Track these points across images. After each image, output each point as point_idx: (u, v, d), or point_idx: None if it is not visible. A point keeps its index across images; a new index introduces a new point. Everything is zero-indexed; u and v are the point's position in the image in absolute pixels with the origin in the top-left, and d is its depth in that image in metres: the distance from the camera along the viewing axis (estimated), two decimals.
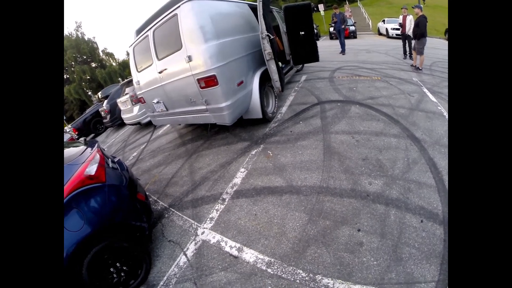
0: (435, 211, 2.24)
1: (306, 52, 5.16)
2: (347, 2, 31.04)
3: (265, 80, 3.99)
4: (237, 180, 2.77)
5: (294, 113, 4.35)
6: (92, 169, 1.88)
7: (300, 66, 6.99)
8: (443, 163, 2.97)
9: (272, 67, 3.63)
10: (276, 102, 4.46)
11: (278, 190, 2.46)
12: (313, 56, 5.44)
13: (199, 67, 2.92)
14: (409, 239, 1.91)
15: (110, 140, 8.34)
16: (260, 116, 3.68)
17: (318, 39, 17.36)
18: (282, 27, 5.34)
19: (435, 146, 3.27)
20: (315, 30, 16.64)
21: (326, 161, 2.81)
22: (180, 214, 2.63)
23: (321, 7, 21.78)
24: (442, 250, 1.83)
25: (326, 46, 12.76)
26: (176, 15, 3.04)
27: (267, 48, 3.48)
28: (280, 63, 4.31)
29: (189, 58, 2.95)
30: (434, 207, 2.29)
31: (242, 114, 3.69)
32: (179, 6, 3.00)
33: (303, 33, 4.86)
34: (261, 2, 3.40)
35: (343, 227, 2.05)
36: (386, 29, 15.56)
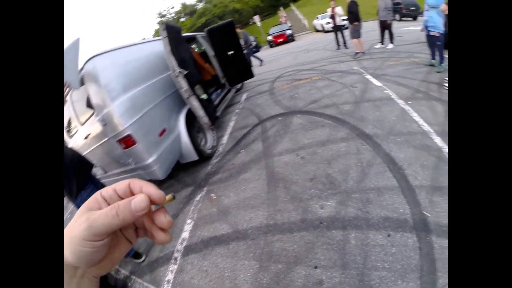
0: (402, 218, 2.20)
1: (239, 71, 5.41)
2: (281, 8, 34.19)
3: (194, 117, 4.04)
4: (185, 234, 2.80)
5: (235, 141, 4.36)
6: None
7: (240, 85, 7.27)
8: (401, 155, 2.99)
9: (194, 104, 3.67)
10: (215, 134, 4.47)
11: (225, 239, 2.48)
12: (247, 73, 5.70)
13: (113, 128, 3.04)
14: (377, 261, 1.88)
15: None
16: (196, 158, 3.73)
17: (258, 51, 18.27)
18: (210, 51, 5.62)
19: (389, 137, 3.32)
20: (253, 42, 17.55)
21: (271, 192, 2.81)
22: (141, 281, 2.62)
23: (256, 18, 23.54)
24: (419, 260, 1.82)
25: (265, 56, 13.29)
26: (83, 76, 3.09)
27: (183, 86, 3.57)
28: (204, 96, 4.40)
29: (103, 121, 3.05)
30: (400, 213, 2.25)
31: (176, 161, 3.73)
32: (82, 68, 3.07)
33: (231, 52, 5.11)
34: (166, 38, 3.47)
35: (298, 268, 2.00)
36: (321, 25, 17.26)
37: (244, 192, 2.94)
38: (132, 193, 0.34)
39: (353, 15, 7.19)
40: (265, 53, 15.78)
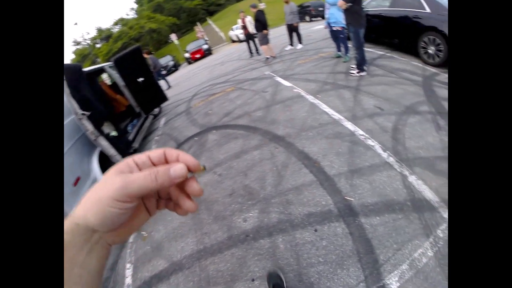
0: (326, 209, 2.22)
1: (152, 97, 5.32)
2: (197, 23, 34.56)
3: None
4: (128, 279, 2.63)
5: None
6: None
7: (158, 110, 7.01)
8: (315, 148, 2.95)
9: (103, 144, 3.47)
10: None
11: (164, 274, 2.38)
12: (160, 98, 5.65)
13: None
14: (310, 258, 1.90)
15: None
16: None
17: (177, 69, 17.87)
18: (120, 81, 5.36)
19: (300, 134, 3.26)
20: (171, 62, 17.05)
21: (195, 217, 2.75)
22: None
23: (173, 36, 23.14)
24: (353, 245, 1.87)
25: (183, 74, 12.99)
26: None
27: (88, 128, 3.41)
28: (114, 133, 4.07)
29: None
30: (323, 206, 2.26)
31: None
32: None
33: (141, 79, 4.99)
34: (64, 81, 3.22)
35: (236, 285, 1.96)
36: (237, 35, 17.98)
37: (171, 223, 2.85)
38: (166, 161, 0.36)
39: (261, 24, 7.46)
40: (184, 71, 15.49)
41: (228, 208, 2.63)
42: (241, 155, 3.30)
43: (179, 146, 4.35)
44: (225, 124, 4.27)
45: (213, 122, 4.57)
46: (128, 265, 2.85)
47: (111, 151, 3.50)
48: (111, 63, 5.16)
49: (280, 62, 6.97)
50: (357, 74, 4.52)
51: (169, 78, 12.22)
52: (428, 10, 4.38)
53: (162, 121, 6.24)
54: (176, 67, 18.02)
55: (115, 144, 3.58)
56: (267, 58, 7.65)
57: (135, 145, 4.48)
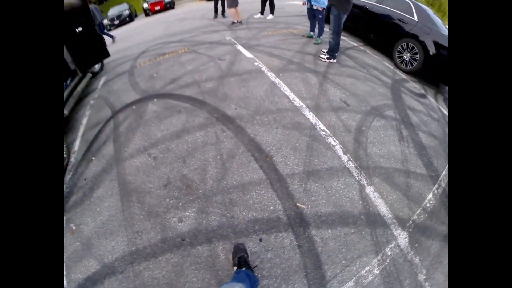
0: (274, 216, 1.98)
1: (90, 52, 4.57)
2: None
3: None
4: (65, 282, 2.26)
5: (87, 145, 3.37)
6: None
7: (98, 67, 5.90)
8: (268, 138, 2.59)
9: None
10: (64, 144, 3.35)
11: (98, 278, 2.08)
12: (101, 53, 4.95)
13: None
14: (253, 270, 1.73)
15: None
16: None
17: (133, 20, 15.84)
18: None
19: (254, 117, 2.86)
20: (126, 11, 14.97)
21: (126, 210, 2.34)
22: None
23: None
24: (301, 259, 1.75)
25: (138, 26, 11.53)
26: None
27: None
28: None
29: None
30: (271, 211, 2.01)
31: None
32: None
33: (80, 29, 4.19)
34: None
35: None
36: None
37: (100, 215, 2.45)
38: None
39: None
40: (139, 22, 13.72)
41: (163, 202, 2.26)
42: (182, 135, 2.79)
43: (114, 114, 3.64)
44: (169, 93, 3.63)
45: (156, 89, 3.87)
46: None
47: None
48: None
49: (246, 29, 6.26)
50: (327, 60, 4.15)
51: (121, 29, 10.80)
52: (415, 18, 4.42)
53: (101, 80, 5.27)
54: (131, 17, 15.85)
55: None
56: (234, 22, 6.87)
57: (65, 112, 3.67)
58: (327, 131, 2.63)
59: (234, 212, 2.04)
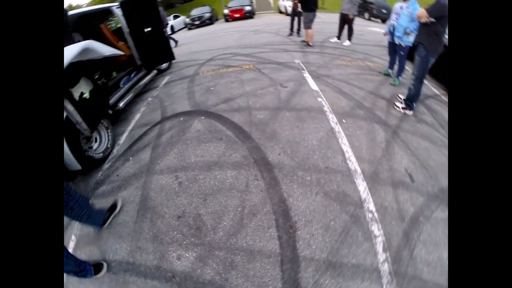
0: None
1: (156, 52, 4.85)
2: None
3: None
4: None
5: (131, 142, 3.49)
6: None
7: (166, 65, 6.33)
8: (302, 205, 2.23)
9: (68, 108, 2.88)
10: (109, 134, 3.60)
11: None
12: (166, 55, 5.15)
13: None
14: None
15: None
16: (78, 167, 3.04)
17: (213, 23, 16.69)
18: (125, 27, 4.85)
19: (296, 172, 2.48)
20: (207, 14, 15.83)
21: (138, 222, 2.36)
22: None
23: None
24: None
25: (215, 30, 11.99)
26: None
27: None
28: (87, 94, 3.38)
29: None
30: None
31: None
32: None
33: (148, 29, 4.57)
34: None
35: None
36: (285, 6, 16.31)
37: (116, 216, 2.49)
38: None
39: (305, 2, 6.27)
40: (217, 27, 14.34)
41: (170, 233, 2.18)
42: (213, 168, 2.59)
43: (162, 121, 3.69)
44: (218, 114, 3.49)
45: (208, 105, 3.79)
46: (73, 237, 2.53)
47: (76, 117, 2.95)
48: (117, 4, 4.62)
49: (318, 54, 5.92)
50: (402, 110, 3.51)
51: (199, 30, 11.29)
52: None
53: (164, 79, 5.51)
54: (211, 20, 16.80)
55: (82, 109, 3.02)
56: (307, 44, 6.61)
57: (120, 105, 3.90)
58: (375, 213, 2.09)
59: (231, 275, 1.80)
